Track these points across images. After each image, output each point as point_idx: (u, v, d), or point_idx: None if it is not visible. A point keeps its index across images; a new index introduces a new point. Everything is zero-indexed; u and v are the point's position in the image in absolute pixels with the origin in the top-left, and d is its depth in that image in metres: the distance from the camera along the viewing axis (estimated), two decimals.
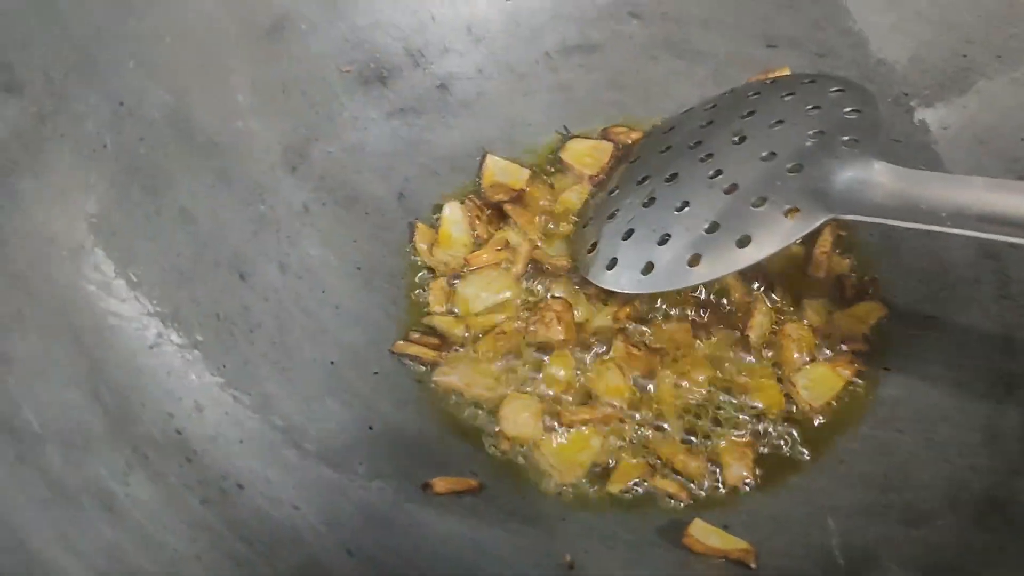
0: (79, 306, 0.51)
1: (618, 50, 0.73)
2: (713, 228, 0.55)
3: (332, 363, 0.58)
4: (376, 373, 0.59)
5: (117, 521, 0.42)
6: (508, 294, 0.63)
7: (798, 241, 0.54)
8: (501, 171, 0.69)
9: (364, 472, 0.53)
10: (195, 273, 0.57)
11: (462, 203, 0.67)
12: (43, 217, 0.52)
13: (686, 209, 0.57)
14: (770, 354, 0.59)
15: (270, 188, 0.63)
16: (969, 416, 0.54)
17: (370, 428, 0.56)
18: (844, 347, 0.59)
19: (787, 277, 0.63)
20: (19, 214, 0.51)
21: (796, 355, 0.59)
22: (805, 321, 0.60)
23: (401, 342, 0.61)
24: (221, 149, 0.62)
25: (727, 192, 0.56)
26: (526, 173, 0.68)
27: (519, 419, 0.57)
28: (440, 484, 0.53)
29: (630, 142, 0.69)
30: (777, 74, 0.68)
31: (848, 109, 0.57)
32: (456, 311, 0.63)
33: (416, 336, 0.61)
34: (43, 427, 0.43)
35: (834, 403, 0.57)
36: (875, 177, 0.52)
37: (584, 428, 0.57)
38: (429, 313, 0.63)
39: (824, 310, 0.61)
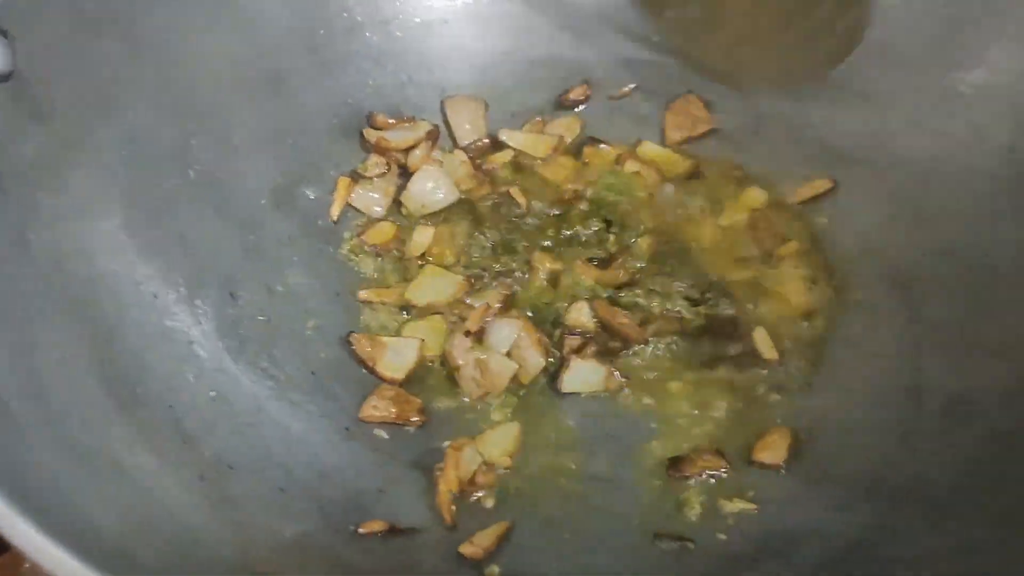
0: (91, 307, 0.56)
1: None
2: None
3: (313, 373, 0.65)
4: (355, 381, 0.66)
5: (128, 482, 0.47)
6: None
7: None
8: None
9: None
10: (191, 290, 0.63)
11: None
12: (62, 230, 0.58)
13: None
14: None
15: (259, 221, 0.71)
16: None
17: (346, 429, 0.62)
18: None
19: None
20: (41, 225, 0.56)
21: None
22: None
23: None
24: (217, 184, 0.69)
25: None
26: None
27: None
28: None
29: None
30: None
31: None
32: None
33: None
34: (65, 403, 0.49)
35: None
36: None
37: None
38: None
39: None
